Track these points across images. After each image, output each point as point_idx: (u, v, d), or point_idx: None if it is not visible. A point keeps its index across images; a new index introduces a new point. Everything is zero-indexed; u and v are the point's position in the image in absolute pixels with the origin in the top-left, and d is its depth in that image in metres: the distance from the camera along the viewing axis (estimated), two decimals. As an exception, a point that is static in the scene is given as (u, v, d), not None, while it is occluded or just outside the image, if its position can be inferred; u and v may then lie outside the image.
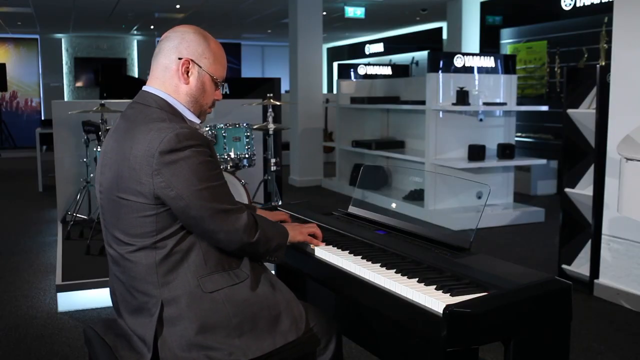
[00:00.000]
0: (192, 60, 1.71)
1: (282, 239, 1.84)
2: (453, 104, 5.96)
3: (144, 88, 1.74)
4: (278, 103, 5.44)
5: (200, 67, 1.73)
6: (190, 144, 1.59)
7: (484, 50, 9.25)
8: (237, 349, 1.61)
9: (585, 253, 4.10)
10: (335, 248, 1.97)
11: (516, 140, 6.72)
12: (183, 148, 1.58)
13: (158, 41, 1.79)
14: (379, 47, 15.19)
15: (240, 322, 1.63)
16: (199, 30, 1.75)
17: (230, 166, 4.85)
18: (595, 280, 3.93)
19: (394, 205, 2.29)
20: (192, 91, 1.73)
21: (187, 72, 1.71)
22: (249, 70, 17.24)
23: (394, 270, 1.74)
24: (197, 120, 1.77)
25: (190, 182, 1.58)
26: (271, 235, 1.78)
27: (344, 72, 8.31)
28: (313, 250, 1.98)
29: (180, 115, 1.71)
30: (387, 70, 9.31)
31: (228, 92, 6.25)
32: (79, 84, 15.47)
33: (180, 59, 1.70)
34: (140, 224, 1.61)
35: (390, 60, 14.23)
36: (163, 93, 1.71)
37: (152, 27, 13.81)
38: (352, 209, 2.37)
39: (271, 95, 5.34)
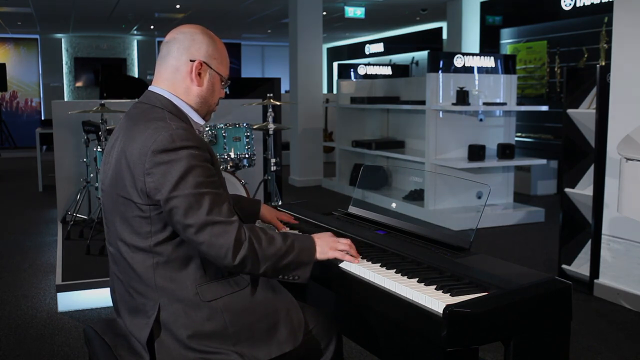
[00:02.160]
0: (204, 63, 1.71)
1: (303, 256, 1.68)
2: (453, 104, 5.96)
3: (150, 88, 1.74)
4: (278, 103, 5.44)
5: (211, 68, 1.73)
6: (185, 145, 1.56)
7: (484, 50, 9.25)
8: (233, 353, 1.60)
9: (585, 253, 4.10)
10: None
11: (516, 140, 6.72)
12: (177, 149, 1.55)
13: (162, 41, 1.77)
14: (379, 47, 15.19)
15: (237, 331, 1.62)
16: (205, 30, 1.75)
17: (230, 166, 4.85)
18: (595, 280, 3.93)
19: (394, 205, 2.29)
20: (203, 93, 1.73)
21: (200, 74, 1.71)
22: (249, 70, 17.24)
23: (394, 270, 1.74)
24: (201, 122, 1.76)
25: (177, 185, 1.53)
26: (277, 254, 1.62)
27: (344, 72, 8.31)
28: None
29: (184, 116, 1.70)
30: (387, 70, 9.31)
31: (228, 92, 6.22)
32: (79, 84, 15.47)
33: (192, 61, 1.69)
34: (136, 224, 1.61)
35: (390, 60, 14.24)
36: (169, 94, 1.70)
37: (152, 27, 13.81)
38: (352, 209, 2.37)
39: (271, 95, 5.34)
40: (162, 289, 1.62)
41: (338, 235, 1.96)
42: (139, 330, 1.63)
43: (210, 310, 1.61)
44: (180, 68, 1.70)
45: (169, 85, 1.71)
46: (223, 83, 1.79)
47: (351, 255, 1.80)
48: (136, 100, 1.77)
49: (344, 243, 1.81)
